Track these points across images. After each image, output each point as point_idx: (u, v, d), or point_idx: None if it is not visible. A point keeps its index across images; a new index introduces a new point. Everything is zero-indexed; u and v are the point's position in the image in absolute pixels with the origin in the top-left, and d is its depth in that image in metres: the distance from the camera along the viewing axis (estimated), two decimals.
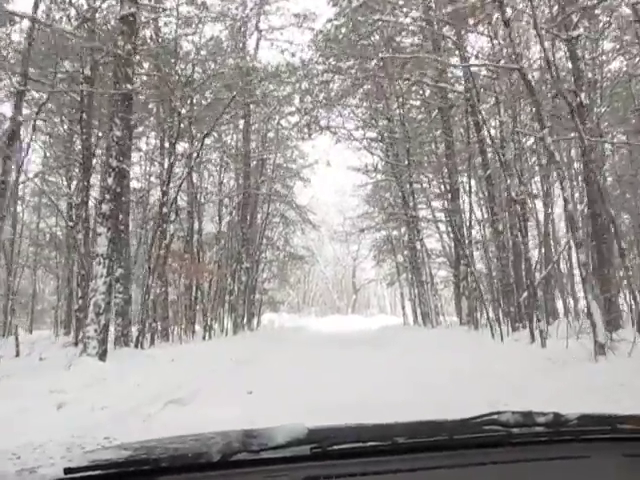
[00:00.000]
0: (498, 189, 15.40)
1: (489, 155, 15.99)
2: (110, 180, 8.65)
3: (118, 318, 11.40)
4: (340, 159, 27.33)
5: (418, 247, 18.76)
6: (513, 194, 10.41)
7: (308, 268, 42.84)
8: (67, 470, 1.06)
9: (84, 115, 14.11)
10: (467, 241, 16.87)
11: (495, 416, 1.25)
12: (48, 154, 21.12)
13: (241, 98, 17.13)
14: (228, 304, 19.75)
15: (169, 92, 11.50)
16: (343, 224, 37.52)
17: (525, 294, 16.60)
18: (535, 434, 1.27)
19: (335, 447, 1.16)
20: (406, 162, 18.01)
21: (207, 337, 16.27)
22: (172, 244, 19.50)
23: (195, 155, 13.14)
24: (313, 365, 9.18)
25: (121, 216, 11.78)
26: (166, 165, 15.46)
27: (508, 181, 10.37)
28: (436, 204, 24.36)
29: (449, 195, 19.13)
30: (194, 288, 19.12)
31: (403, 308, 27.89)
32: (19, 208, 24.22)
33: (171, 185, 14.73)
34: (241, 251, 19.36)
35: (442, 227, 24.92)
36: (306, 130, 26.48)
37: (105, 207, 8.56)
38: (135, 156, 20.65)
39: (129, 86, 8.82)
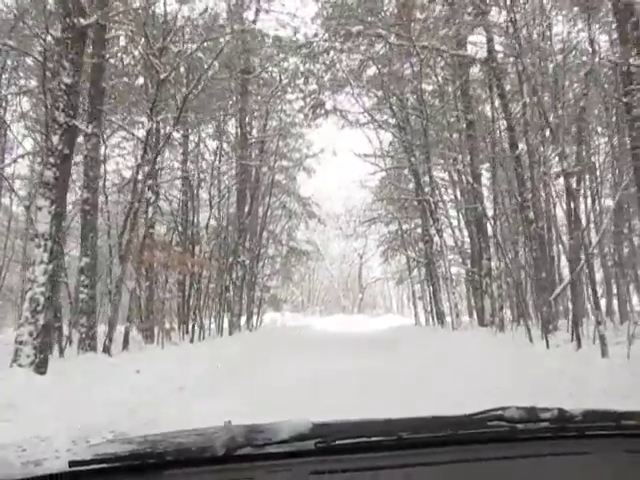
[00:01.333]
0: (533, 171, 13.40)
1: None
2: (55, 139, 6.67)
3: (82, 317, 9.43)
4: (347, 149, 25.43)
5: (435, 239, 16.69)
6: (565, 165, 8.36)
7: (313, 265, 40.84)
8: (72, 463, 1.05)
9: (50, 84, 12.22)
10: (494, 231, 14.84)
11: (500, 412, 1.23)
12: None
13: (237, 63, 15.19)
14: (224, 302, 17.80)
15: (146, 46, 9.52)
16: (349, 214, 35.53)
17: (558, 290, 14.63)
18: (539, 430, 1.25)
19: (340, 442, 1.14)
20: (422, 141, 15.88)
21: (198, 338, 14.35)
22: (165, 236, 17.71)
23: (174, 123, 11.13)
24: (320, 380, 7.18)
25: (87, 194, 9.87)
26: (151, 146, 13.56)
27: (562, 146, 8.30)
28: (446, 197, 22.34)
29: (464, 182, 17.17)
30: (187, 284, 17.30)
31: (415, 307, 25.83)
32: (6, 200, 22.42)
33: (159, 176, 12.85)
34: (238, 242, 17.37)
35: (454, 222, 22.95)
36: (310, 114, 24.66)
37: (48, 173, 6.58)
38: (130, 145, 18.90)
39: (82, 20, 6.86)
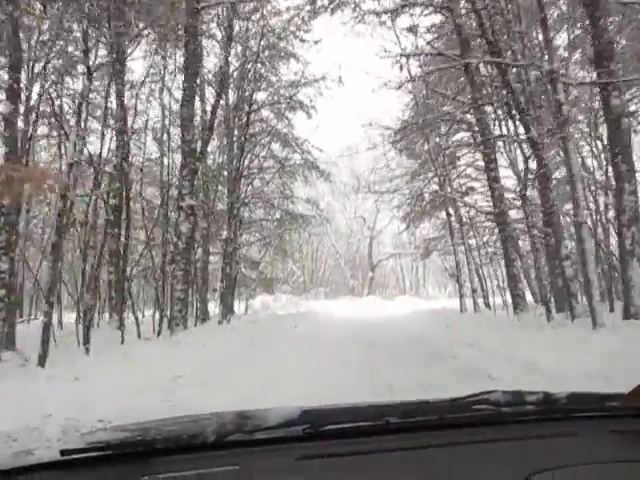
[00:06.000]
0: None
1: None
2: None
3: None
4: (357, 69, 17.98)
5: (530, 163, 9.18)
6: None
7: (316, 236, 33.38)
8: (63, 452, 1.04)
9: None
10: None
11: (486, 395, 1.24)
12: None
13: None
14: (165, 281, 10.61)
15: None
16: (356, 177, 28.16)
17: None
18: (525, 413, 1.27)
19: (327, 427, 1.15)
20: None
21: (121, 341, 7.14)
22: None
23: None
24: None
25: None
26: None
27: None
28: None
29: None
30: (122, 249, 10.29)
31: (460, 287, 18.41)
32: None
33: None
34: (183, 177, 9.96)
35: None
36: (308, 13, 17.24)
37: None
38: None
39: None
